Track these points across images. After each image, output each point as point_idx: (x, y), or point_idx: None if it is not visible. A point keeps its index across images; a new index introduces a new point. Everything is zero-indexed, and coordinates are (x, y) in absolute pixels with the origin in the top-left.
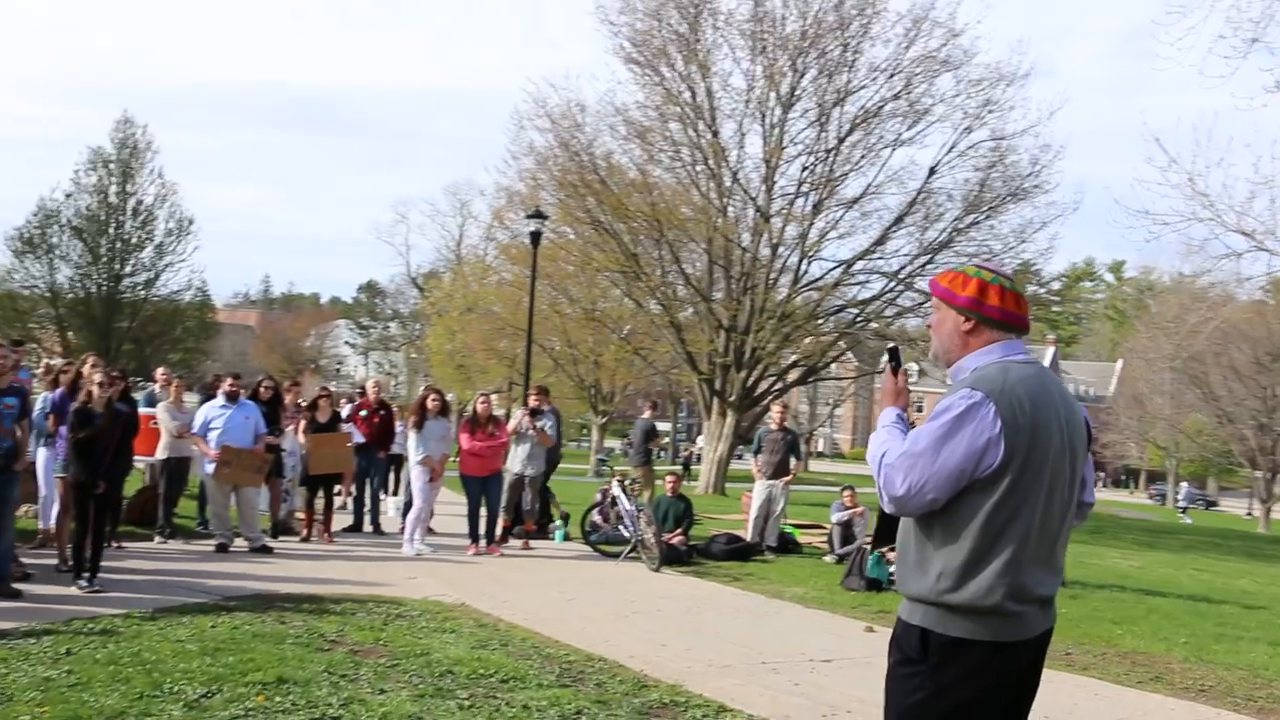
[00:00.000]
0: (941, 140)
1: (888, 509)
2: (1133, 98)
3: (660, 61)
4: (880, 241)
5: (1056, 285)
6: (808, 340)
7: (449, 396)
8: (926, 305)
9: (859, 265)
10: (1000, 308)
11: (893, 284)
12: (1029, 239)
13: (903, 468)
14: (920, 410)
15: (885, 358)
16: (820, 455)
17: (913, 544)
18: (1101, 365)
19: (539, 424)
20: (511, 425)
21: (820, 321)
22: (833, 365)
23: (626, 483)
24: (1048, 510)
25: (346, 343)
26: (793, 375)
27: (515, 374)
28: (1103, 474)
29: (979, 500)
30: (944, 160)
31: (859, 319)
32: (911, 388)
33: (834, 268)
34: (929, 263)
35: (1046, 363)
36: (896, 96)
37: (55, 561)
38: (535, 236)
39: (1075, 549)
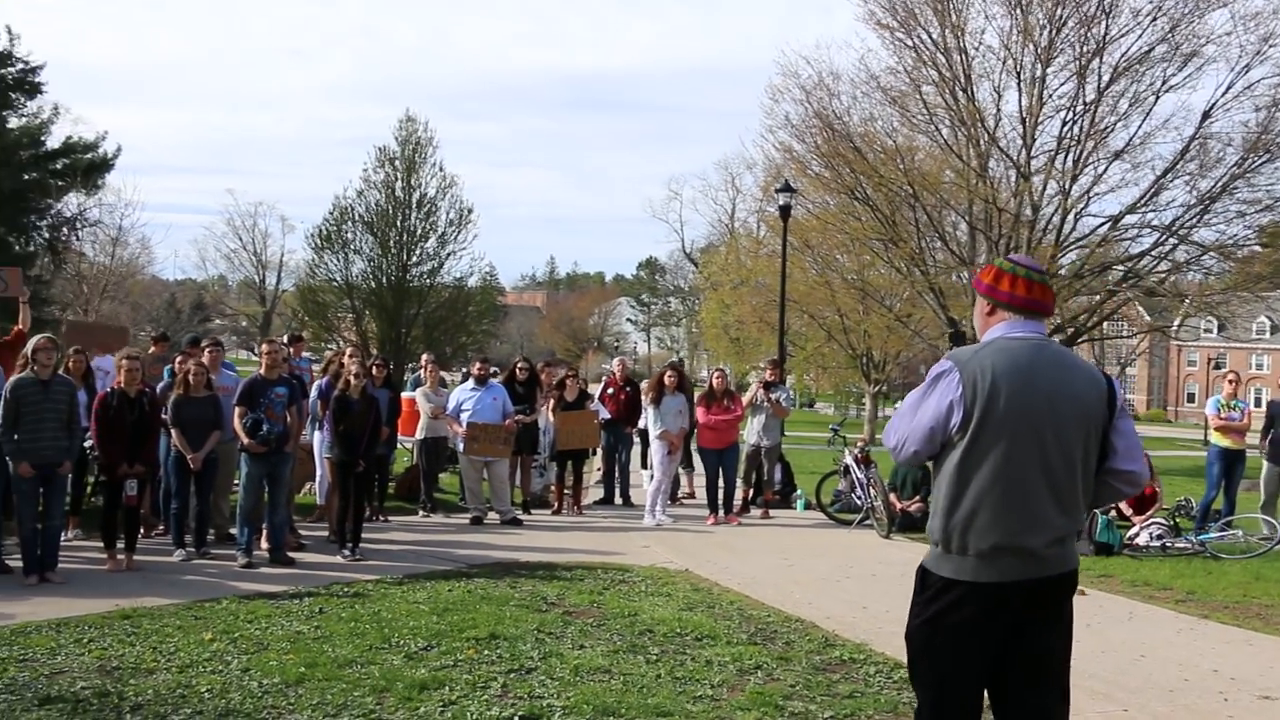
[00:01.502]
0: (1216, 82)
1: (893, 459)
2: None
3: (911, 24)
4: (1152, 193)
5: None
6: (1078, 299)
7: (727, 370)
8: (1204, 257)
9: (1129, 219)
10: (1010, 293)
11: (1165, 237)
12: None
13: (894, 425)
14: None
15: (950, 339)
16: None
17: (932, 493)
18: None
19: (774, 395)
20: (747, 398)
21: (1087, 279)
22: (1104, 324)
23: (857, 451)
24: (1022, 468)
25: (628, 320)
26: (1057, 337)
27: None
28: None
29: (951, 455)
30: (1219, 103)
31: (1128, 275)
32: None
33: (1101, 224)
34: (1204, 213)
35: None
36: (1162, 40)
37: (326, 533)
38: (785, 210)
39: None
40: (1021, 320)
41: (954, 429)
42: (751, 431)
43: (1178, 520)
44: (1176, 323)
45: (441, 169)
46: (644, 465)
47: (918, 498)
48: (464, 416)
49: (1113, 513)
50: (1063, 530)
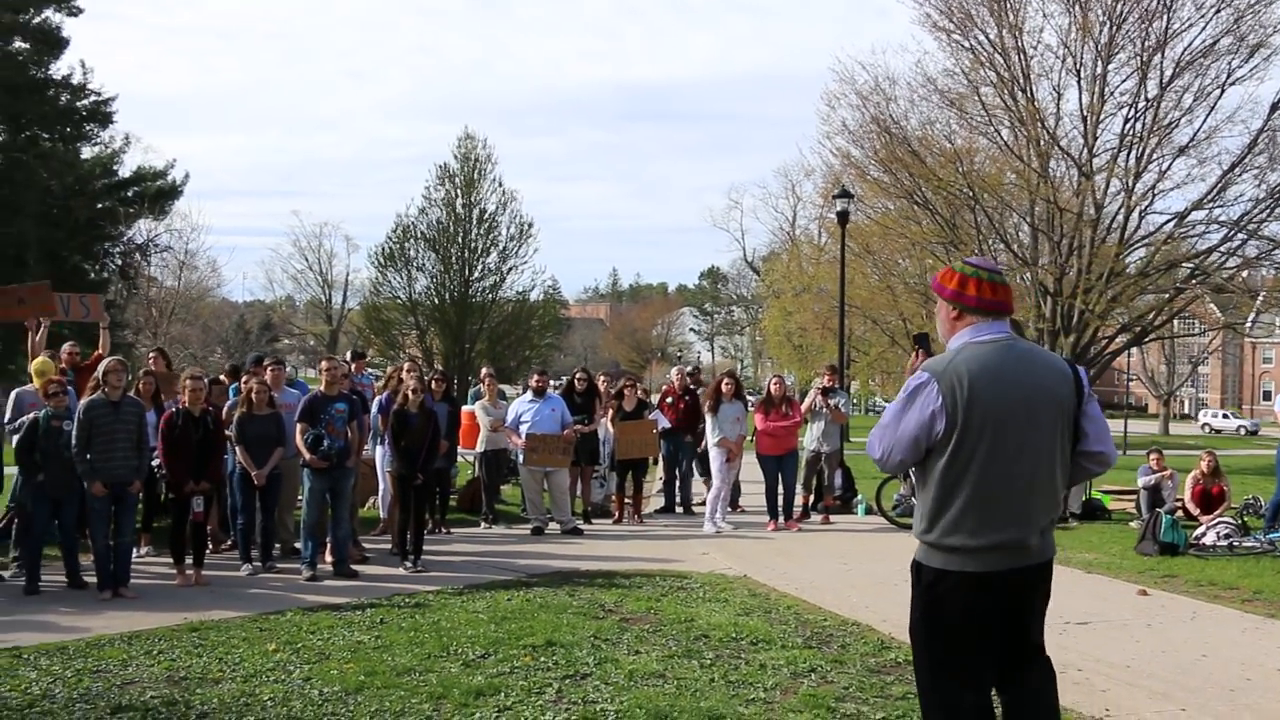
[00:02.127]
0: None
1: (878, 469)
2: None
3: (968, 25)
4: (1219, 188)
5: None
6: (1144, 298)
7: (789, 379)
8: (1276, 251)
9: (1195, 215)
10: (977, 296)
11: (1234, 232)
12: None
13: (877, 436)
14: None
15: (913, 342)
16: (1185, 418)
17: (916, 496)
18: None
19: (832, 401)
20: (805, 404)
21: (1152, 277)
22: (1174, 322)
23: None
24: (1004, 466)
25: (691, 329)
26: (1124, 337)
27: (850, 350)
28: None
29: (936, 460)
30: None
31: (1196, 272)
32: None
33: (1166, 221)
34: (1275, 206)
35: None
36: (1227, 32)
37: (389, 546)
38: (843, 216)
39: None
40: (988, 322)
41: (937, 436)
42: (811, 438)
43: (1245, 519)
44: (1250, 319)
45: (501, 184)
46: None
47: None
48: (523, 428)
49: (1179, 512)
50: (1044, 522)
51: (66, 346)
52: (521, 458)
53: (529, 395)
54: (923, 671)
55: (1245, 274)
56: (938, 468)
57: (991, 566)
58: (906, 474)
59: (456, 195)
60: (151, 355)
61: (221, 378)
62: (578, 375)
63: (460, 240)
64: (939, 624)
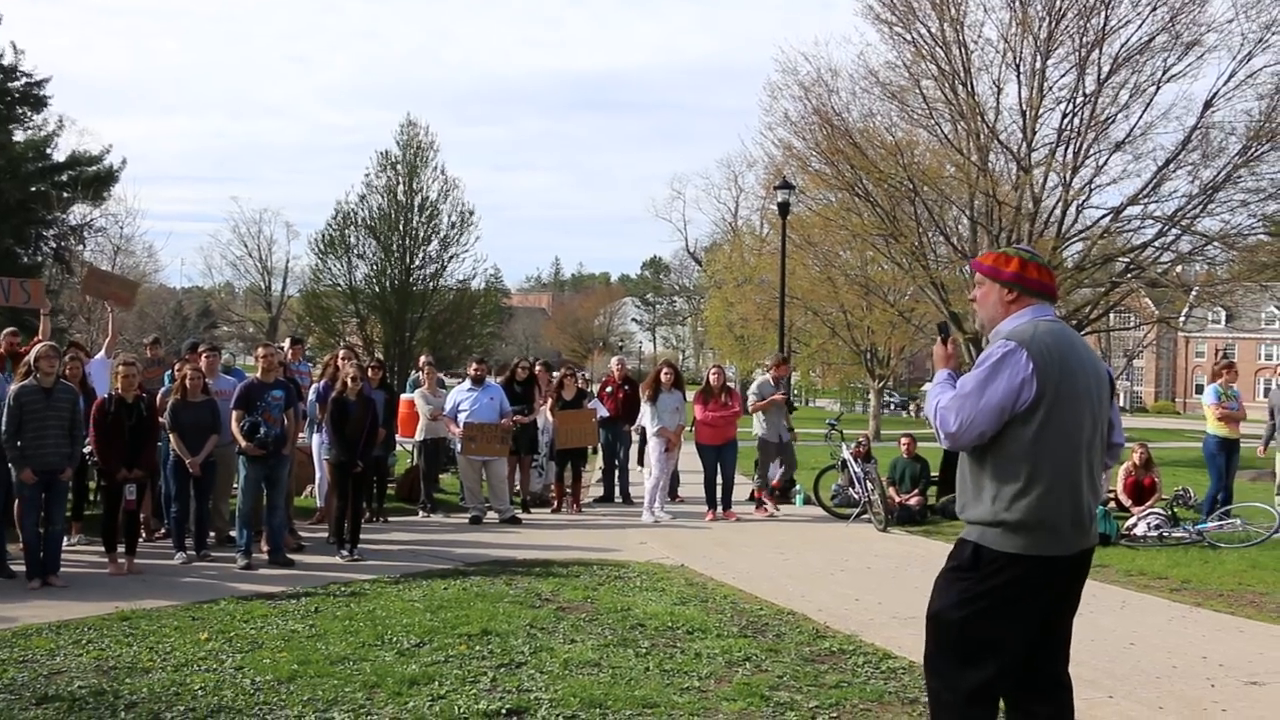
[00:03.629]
0: (1217, 70)
1: (944, 445)
2: None
3: (910, 18)
4: (1154, 184)
5: None
6: (1081, 291)
7: (729, 370)
8: (1208, 247)
9: (1131, 211)
10: (1038, 279)
11: (1168, 227)
12: None
13: (954, 408)
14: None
15: (938, 330)
16: (1120, 410)
17: (969, 476)
18: None
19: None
20: (763, 403)
21: (1089, 271)
22: (1110, 316)
23: (853, 446)
24: (1081, 441)
25: (633, 319)
26: None
27: (790, 341)
28: None
29: (1021, 433)
30: (1221, 91)
31: (1131, 266)
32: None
33: (1103, 216)
34: (1207, 202)
35: None
36: (1163, 29)
37: (326, 535)
38: (784, 208)
39: None
40: (1046, 305)
41: (1024, 405)
42: (773, 428)
43: (1175, 510)
44: (1183, 314)
45: (443, 172)
46: (640, 463)
47: (916, 491)
48: (461, 417)
49: (1111, 503)
50: (1098, 499)
51: (4, 333)
52: (459, 447)
53: (467, 384)
54: (970, 666)
55: (1179, 269)
56: (1025, 440)
57: (1066, 548)
58: (845, 464)
59: (398, 182)
60: (147, 342)
61: (148, 354)
62: (520, 364)
63: (401, 228)
64: (1001, 616)
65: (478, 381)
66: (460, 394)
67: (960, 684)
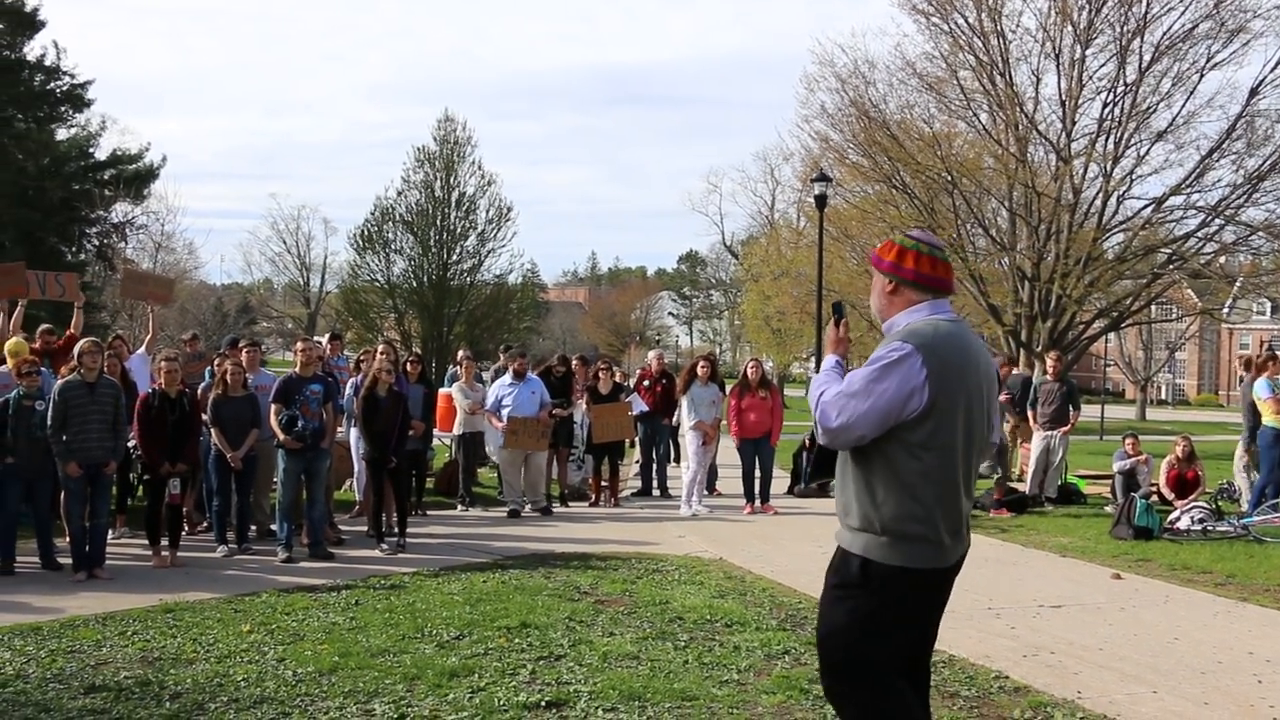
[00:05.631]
0: (1264, 57)
1: (821, 441)
2: None
3: (947, 8)
4: (1197, 173)
5: None
6: (1122, 283)
7: (767, 364)
8: (1253, 237)
9: (1173, 201)
10: (915, 270)
11: (1211, 217)
12: None
13: (837, 405)
14: None
15: (833, 310)
16: (1162, 403)
17: (852, 479)
18: None
19: None
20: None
21: (1130, 262)
22: (1151, 307)
23: None
24: (967, 450)
25: (670, 313)
26: (1101, 322)
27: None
28: None
29: (909, 440)
30: (1267, 78)
31: (1173, 257)
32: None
33: (1144, 206)
34: (1252, 192)
35: None
36: (1207, 16)
37: (366, 528)
38: (821, 200)
39: None
40: (941, 300)
41: (911, 414)
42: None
43: (1220, 504)
44: (1226, 305)
45: (480, 167)
46: (675, 458)
47: None
48: (504, 411)
49: (1153, 497)
50: (971, 504)
51: (40, 331)
52: (489, 444)
53: (509, 378)
54: (863, 689)
55: (1222, 259)
56: (912, 450)
57: (949, 560)
58: None
59: (435, 178)
60: (186, 338)
61: (188, 349)
62: (555, 367)
63: (439, 223)
64: (887, 631)
65: (519, 376)
66: (502, 388)
67: (868, 704)
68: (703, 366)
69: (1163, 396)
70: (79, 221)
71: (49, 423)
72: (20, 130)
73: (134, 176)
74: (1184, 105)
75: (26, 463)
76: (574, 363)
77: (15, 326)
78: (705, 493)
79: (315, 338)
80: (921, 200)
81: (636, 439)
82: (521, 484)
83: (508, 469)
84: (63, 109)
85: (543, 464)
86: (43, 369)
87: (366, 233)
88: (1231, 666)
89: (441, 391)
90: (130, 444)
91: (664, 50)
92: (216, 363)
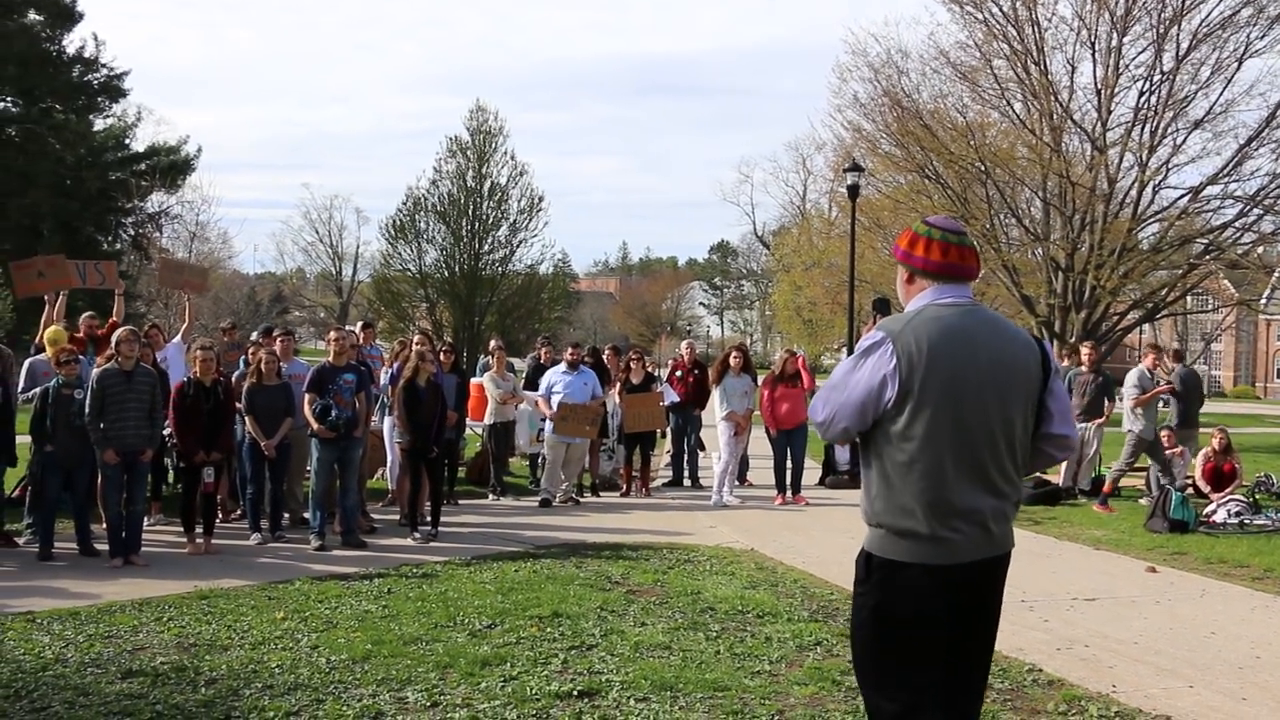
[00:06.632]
0: None
1: (819, 435)
2: None
3: None
4: (1235, 163)
5: None
6: (1157, 274)
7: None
8: None
9: (1210, 190)
10: (925, 258)
11: (1249, 207)
12: None
13: (822, 399)
14: None
15: (873, 308)
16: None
17: (863, 473)
18: None
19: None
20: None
21: (1166, 253)
22: (1187, 298)
23: None
24: (966, 439)
25: (701, 303)
26: (1135, 313)
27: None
28: None
29: (891, 431)
30: None
31: (1210, 248)
32: None
33: (1181, 196)
34: None
35: None
36: (1247, 3)
37: (398, 517)
38: (853, 190)
39: None
40: (950, 285)
41: (888, 403)
42: (1150, 423)
43: (1257, 497)
44: (1264, 296)
45: (512, 157)
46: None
47: None
48: (555, 398)
49: (1189, 489)
50: (1008, 501)
51: (84, 318)
52: (519, 435)
53: (563, 367)
54: (869, 686)
55: (1260, 250)
56: (893, 439)
57: (956, 557)
58: None
59: (467, 168)
60: (225, 326)
61: (225, 338)
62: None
63: (470, 213)
64: (893, 628)
65: (573, 366)
66: (555, 375)
67: (870, 700)
68: (735, 357)
69: (1210, 393)
70: (115, 211)
71: (87, 411)
72: (59, 121)
73: (170, 167)
74: (1222, 93)
75: (65, 451)
76: (605, 353)
77: (59, 314)
78: (736, 483)
79: (348, 326)
80: (954, 190)
81: (668, 429)
82: (561, 473)
83: (554, 455)
84: (100, 100)
85: (583, 453)
86: (82, 357)
87: (399, 222)
88: (1270, 662)
89: (473, 381)
90: (165, 432)
91: (695, 40)
92: (250, 351)
